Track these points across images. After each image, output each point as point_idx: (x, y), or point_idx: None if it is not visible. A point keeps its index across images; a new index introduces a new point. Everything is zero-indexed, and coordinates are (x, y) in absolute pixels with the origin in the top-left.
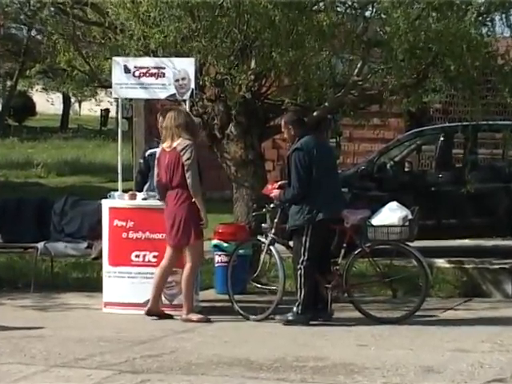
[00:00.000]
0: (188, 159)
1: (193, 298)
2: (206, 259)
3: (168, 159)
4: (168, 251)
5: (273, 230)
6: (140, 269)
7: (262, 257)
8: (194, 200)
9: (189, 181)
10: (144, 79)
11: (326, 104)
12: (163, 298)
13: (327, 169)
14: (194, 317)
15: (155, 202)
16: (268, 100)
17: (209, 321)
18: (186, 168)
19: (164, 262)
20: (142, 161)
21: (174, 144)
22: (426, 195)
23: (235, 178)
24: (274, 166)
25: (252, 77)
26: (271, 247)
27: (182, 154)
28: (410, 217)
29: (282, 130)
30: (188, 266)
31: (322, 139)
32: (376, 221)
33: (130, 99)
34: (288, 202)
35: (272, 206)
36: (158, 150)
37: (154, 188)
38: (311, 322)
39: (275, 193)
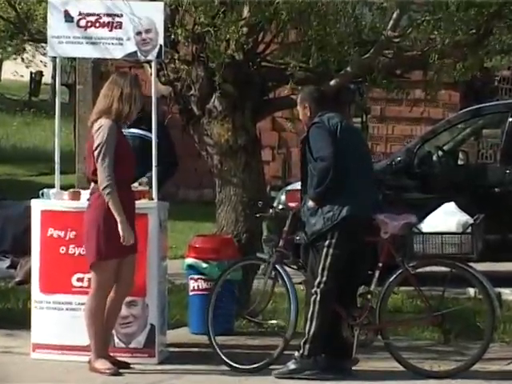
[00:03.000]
0: (98, 145)
1: (100, 338)
2: (177, 285)
3: (88, 144)
4: None
5: (281, 243)
6: (84, 298)
7: (264, 281)
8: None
9: (98, 175)
10: (92, 31)
11: (349, 69)
12: (116, 340)
13: (356, 156)
14: (102, 365)
15: None
16: (267, 62)
17: (119, 374)
18: (95, 157)
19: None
20: None
21: (96, 123)
22: (487, 198)
23: (219, 171)
24: (273, 155)
25: (244, 29)
26: (277, 267)
27: (95, 137)
28: (471, 222)
29: (298, 108)
30: (88, 295)
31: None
32: (426, 227)
33: (73, 59)
34: (320, 184)
35: (280, 207)
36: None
37: None
38: (325, 376)
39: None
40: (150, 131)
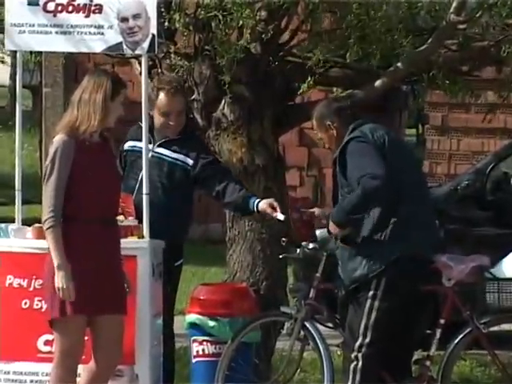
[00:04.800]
0: (46, 167)
1: None
2: (177, 349)
3: None
4: None
5: (311, 293)
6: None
7: (290, 344)
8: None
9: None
10: (64, 17)
11: (399, 65)
12: None
13: (409, 179)
14: None
15: None
16: (292, 57)
17: None
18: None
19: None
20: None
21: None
22: None
23: None
24: (301, 178)
25: (263, 13)
26: (307, 324)
27: None
28: None
29: (318, 133)
30: (52, 363)
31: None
32: (503, 271)
33: (38, 54)
34: (361, 206)
35: (311, 246)
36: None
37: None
38: None
39: (317, 212)
40: (184, 154)
